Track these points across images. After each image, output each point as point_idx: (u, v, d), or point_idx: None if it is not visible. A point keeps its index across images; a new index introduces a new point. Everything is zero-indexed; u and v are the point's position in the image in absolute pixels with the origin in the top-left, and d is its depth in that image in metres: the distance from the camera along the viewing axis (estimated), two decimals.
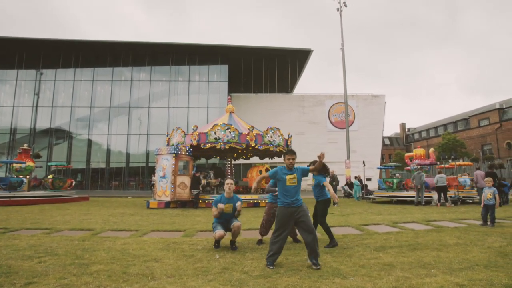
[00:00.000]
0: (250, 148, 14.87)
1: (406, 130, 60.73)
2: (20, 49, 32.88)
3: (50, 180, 18.77)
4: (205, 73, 35.68)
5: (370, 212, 11.20)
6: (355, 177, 21.20)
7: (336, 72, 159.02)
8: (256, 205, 13.97)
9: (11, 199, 14.09)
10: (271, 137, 14.77)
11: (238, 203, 5.30)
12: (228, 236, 5.21)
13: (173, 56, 34.99)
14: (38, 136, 33.89)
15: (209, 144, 14.32)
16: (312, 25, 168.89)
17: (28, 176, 17.66)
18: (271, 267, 3.94)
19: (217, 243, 5.18)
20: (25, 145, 18.94)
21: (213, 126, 14.65)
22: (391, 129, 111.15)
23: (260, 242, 5.56)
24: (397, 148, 55.89)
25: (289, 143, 15.95)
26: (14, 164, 17.57)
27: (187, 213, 10.99)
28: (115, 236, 6.22)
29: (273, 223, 5.45)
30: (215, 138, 14.28)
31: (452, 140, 35.83)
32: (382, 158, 47.05)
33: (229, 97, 19.48)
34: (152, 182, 25.83)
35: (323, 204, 5.65)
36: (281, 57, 35.16)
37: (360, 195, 19.87)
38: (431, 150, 19.30)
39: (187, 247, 5.22)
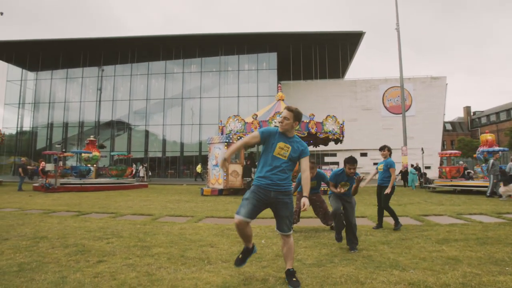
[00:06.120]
0: None
1: (471, 114, 55.66)
2: (84, 49, 35.57)
3: (106, 168, 21.09)
4: (254, 62, 35.73)
5: (429, 202, 10.52)
6: (412, 165, 20.03)
7: (389, 50, 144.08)
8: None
9: (82, 185, 15.64)
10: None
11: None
12: None
13: (222, 47, 35.45)
14: (101, 128, 36.66)
15: (232, 135, 15.01)
16: None
17: (95, 165, 19.33)
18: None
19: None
20: (91, 136, 20.65)
21: (228, 119, 15.59)
22: (454, 113, 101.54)
23: None
24: (460, 133, 51.55)
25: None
26: (83, 154, 19.32)
27: (239, 201, 11.22)
28: (172, 222, 6.56)
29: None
30: (230, 130, 15.18)
31: None
32: (443, 145, 43.79)
33: (279, 85, 19.32)
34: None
35: None
36: (331, 42, 33.88)
37: (418, 184, 18.77)
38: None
39: None
